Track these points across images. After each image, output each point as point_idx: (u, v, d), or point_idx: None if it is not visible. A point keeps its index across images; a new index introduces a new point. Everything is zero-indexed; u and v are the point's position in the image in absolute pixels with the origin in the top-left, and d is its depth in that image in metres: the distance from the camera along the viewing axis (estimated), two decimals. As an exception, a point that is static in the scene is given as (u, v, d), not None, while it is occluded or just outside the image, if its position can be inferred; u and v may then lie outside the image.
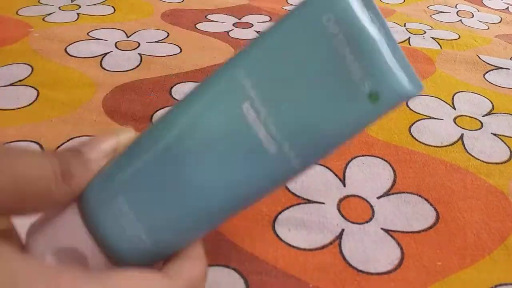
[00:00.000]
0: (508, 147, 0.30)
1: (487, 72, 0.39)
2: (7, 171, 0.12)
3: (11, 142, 0.28)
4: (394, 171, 0.27)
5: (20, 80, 0.34)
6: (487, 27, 0.49)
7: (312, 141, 0.14)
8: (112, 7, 0.48)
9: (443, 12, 0.53)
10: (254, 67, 0.14)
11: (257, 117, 0.14)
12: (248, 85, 0.14)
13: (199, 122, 0.14)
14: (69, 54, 0.38)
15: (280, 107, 0.14)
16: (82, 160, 0.14)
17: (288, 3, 0.53)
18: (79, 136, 0.29)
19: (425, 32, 0.47)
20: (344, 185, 0.26)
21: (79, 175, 0.14)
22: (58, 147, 0.28)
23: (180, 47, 0.41)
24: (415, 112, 0.33)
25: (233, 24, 0.46)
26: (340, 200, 0.25)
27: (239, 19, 0.48)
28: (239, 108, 0.14)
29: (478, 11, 0.54)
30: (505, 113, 0.34)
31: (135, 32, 0.43)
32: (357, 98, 0.14)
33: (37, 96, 0.33)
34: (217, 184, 0.14)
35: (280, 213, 0.24)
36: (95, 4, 0.49)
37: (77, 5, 0.48)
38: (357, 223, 0.24)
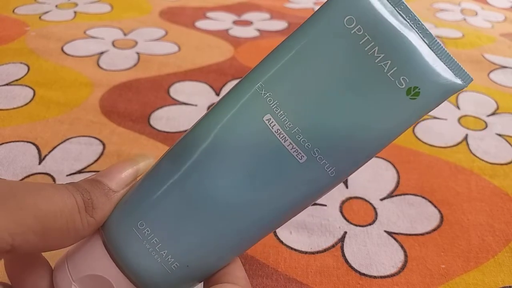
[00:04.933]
0: (513, 147, 0.30)
1: (491, 71, 0.39)
2: (30, 209, 0.12)
3: (7, 142, 0.27)
4: (397, 172, 0.27)
5: (16, 80, 0.34)
6: (491, 26, 0.49)
7: (347, 147, 0.14)
8: (110, 4, 0.48)
9: (447, 10, 0.52)
10: (274, 79, 0.14)
11: (282, 128, 0.13)
12: (268, 96, 0.13)
13: (220, 140, 0.14)
14: (65, 53, 0.38)
15: (306, 115, 0.13)
16: (104, 191, 0.14)
17: (289, 0, 0.53)
18: (75, 137, 0.28)
19: (428, 30, 0.46)
20: (347, 187, 0.26)
21: (102, 206, 0.14)
22: (55, 147, 0.27)
23: (178, 46, 0.40)
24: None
25: (233, 22, 0.46)
26: (343, 202, 0.25)
27: (239, 16, 0.47)
28: (261, 120, 0.13)
29: (482, 9, 0.53)
30: (509, 113, 0.33)
31: (132, 30, 0.42)
32: (394, 96, 0.13)
33: (33, 96, 0.32)
34: (245, 200, 0.14)
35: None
36: (92, 2, 0.48)
37: (74, 3, 0.48)
38: (360, 226, 0.23)
